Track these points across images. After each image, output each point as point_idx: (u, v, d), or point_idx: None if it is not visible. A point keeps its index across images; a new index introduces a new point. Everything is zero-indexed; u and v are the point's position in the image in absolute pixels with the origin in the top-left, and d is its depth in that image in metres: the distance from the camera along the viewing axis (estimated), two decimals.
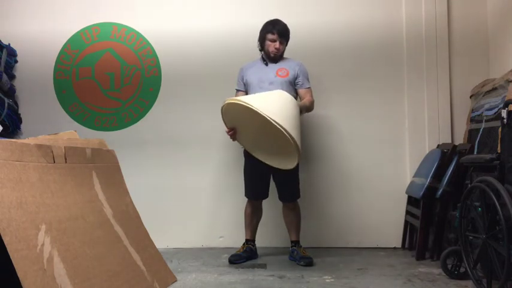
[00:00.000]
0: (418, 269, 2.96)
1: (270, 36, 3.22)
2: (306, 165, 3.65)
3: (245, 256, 3.25)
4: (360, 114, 3.77)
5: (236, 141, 3.23)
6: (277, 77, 3.20)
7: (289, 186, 3.27)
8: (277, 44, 3.20)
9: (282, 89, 3.08)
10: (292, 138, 2.71)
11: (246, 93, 3.27)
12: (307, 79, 3.28)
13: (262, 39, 3.27)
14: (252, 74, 3.27)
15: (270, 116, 2.68)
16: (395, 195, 3.66)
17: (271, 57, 3.26)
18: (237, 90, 3.34)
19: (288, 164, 3.03)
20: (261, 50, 3.32)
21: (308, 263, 3.11)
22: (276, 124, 2.67)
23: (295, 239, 3.31)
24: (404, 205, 3.60)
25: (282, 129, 2.67)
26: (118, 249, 1.89)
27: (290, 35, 3.29)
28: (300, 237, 3.33)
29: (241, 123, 3.11)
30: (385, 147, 3.74)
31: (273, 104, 2.80)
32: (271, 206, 3.53)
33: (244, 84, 3.30)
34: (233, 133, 3.14)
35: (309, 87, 3.27)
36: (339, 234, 3.73)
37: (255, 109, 2.71)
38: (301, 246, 3.29)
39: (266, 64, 3.29)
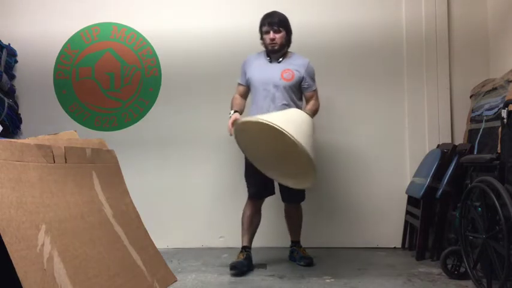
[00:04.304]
0: (418, 269, 2.96)
1: (264, 28, 3.11)
2: None
3: (247, 264, 3.01)
4: (360, 114, 3.77)
5: (236, 143, 3.15)
6: (282, 79, 3.04)
7: (296, 189, 3.09)
8: (271, 35, 3.07)
9: (287, 94, 3.03)
10: (309, 156, 2.62)
11: (249, 91, 3.19)
12: (314, 80, 3.16)
13: (260, 35, 3.16)
14: (255, 70, 3.13)
15: (292, 135, 2.55)
16: (395, 195, 3.66)
17: (272, 51, 3.11)
18: (239, 84, 3.21)
19: (301, 184, 2.96)
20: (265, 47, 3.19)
21: (308, 263, 3.11)
22: (296, 141, 2.55)
23: (295, 239, 3.30)
24: (404, 205, 3.60)
25: (301, 147, 2.57)
26: (118, 249, 1.89)
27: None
28: (301, 237, 3.33)
29: (254, 140, 2.96)
30: (385, 147, 3.74)
31: (291, 122, 2.70)
32: (271, 205, 3.52)
33: (247, 80, 3.16)
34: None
35: (314, 90, 3.16)
36: (339, 234, 3.73)
37: (277, 127, 2.56)
38: (301, 246, 3.28)
39: (270, 61, 3.15)
